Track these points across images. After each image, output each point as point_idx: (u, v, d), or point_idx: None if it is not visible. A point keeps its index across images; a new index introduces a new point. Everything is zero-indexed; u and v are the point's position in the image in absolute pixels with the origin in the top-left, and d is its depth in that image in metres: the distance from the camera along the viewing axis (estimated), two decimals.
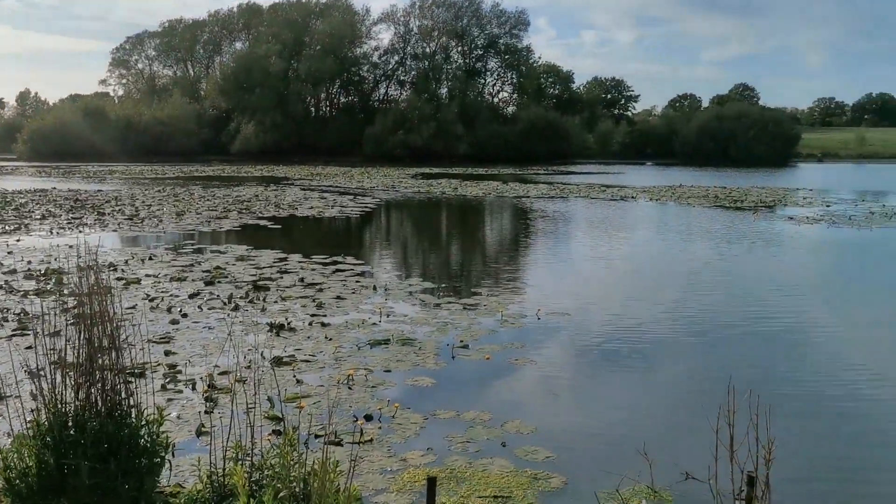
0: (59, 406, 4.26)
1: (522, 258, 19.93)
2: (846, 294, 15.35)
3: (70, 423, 4.25)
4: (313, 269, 16.35)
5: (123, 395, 4.40)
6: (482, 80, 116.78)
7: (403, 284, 14.87)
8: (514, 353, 10.22)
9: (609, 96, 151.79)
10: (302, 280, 15.03)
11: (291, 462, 4.21)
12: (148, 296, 13.31)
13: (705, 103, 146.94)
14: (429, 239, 25.08)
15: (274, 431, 7.20)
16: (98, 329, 4.35)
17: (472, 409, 8.05)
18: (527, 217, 29.54)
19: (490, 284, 15.29)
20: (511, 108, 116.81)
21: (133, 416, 4.41)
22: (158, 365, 9.20)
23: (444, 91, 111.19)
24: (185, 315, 11.89)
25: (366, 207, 32.62)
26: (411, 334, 11.05)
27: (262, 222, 25.94)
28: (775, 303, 13.90)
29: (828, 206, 33.90)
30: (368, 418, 7.74)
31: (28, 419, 4.42)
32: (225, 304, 12.76)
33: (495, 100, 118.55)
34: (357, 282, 15.08)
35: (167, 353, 9.78)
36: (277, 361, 9.56)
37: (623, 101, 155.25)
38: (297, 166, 77.97)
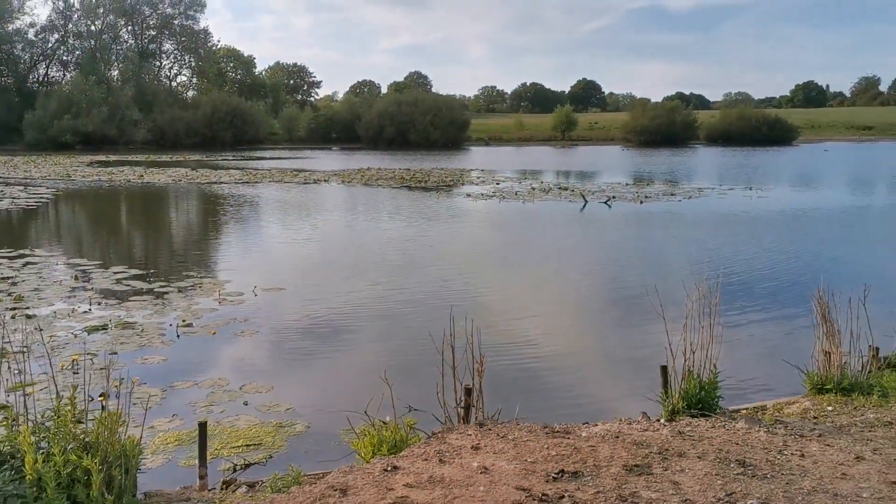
0: None
1: (230, 241, 20.11)
2: (520, 252, 17.86)
3: None
4: None
5: None
6: (158, 63, 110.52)
7: (108, 273, 14.44)
8: (239, 326, 10.74)
9: (292, 82, 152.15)
10: None
11: (73, 419, 4.52)
12: None
13: (384, 90, 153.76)
14: (126, 227, 24.01)
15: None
16: None
17: (208, 378, 8.51)
18: (226, 202, 29.37)
19: (202, 267, 15.43)
20: (191, 93, 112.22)
21: None
22: None
23: (115, 73, 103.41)
24: None
25: (42, 198, 30.00)
26: (129, 318, 11.02)
27: None
28: (467, 262, 15.86)
29: (498, 183, 38.00)
30: (105, 396, 7.84)
31: None
32: None
33: (173, 84, 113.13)
34: (55, 272, 14.34)
35: None
36: None
37: (306, 87, 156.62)
38: None
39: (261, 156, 73.08)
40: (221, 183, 38.31)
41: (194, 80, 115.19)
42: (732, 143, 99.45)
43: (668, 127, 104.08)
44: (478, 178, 42.49)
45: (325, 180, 39.92)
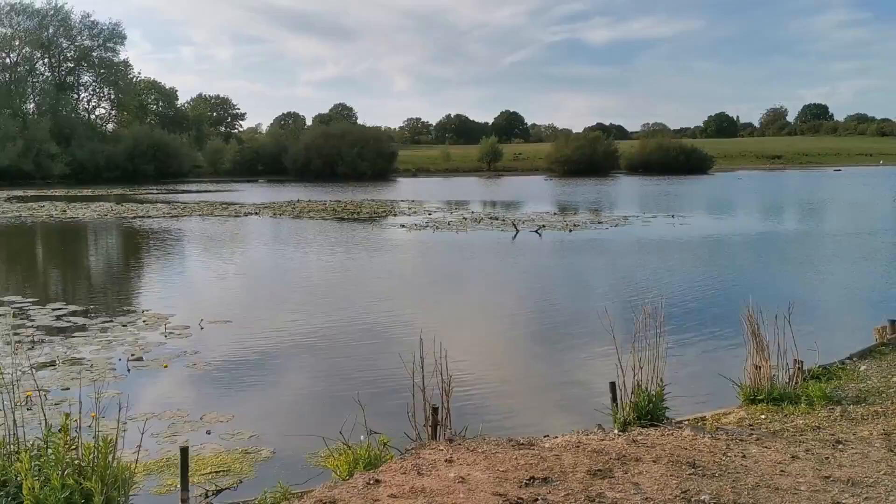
0: None
1: (168, 275, 19.95)
2: (459, 281, 18.31)
3: None
4: None
5: None
6: (76, 96, 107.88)
7: (46, 310, 14.23)
8: (190, 358, 10.83)
9: (215, 114, 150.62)
10: None
11: (68, 445, 4.69)
12: None
13: (308, 122, 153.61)
14: (56, 263, 23.48)
15: None
16: None
17: (167, 410, 8.60)
18: (157, 236, 28.99)
19: (141, 301, 15.37)
20: (111, 126, 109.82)
21: None
22: None
23: (31, 106, 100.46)
24: None
25: None
26: (76, 354, 10.97)
27: None
28: (410, 292, 16.22)
29: (429, 214, 38.56)
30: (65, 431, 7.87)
31: None
32: None
33: (93, 116, 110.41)
34: None
35: None
36: None
37: (230, 119, 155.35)
38: None
39: (186, 189, 71.98)
40: (149, 217, 37.72)
41: (114, 112, 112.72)
42: (652, 172, 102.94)
43: (591, 157, 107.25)
44: (409, 208, 42.97)
45: (255, 213, 39.75)
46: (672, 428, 6.27)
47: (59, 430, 4.76)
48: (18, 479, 4.77)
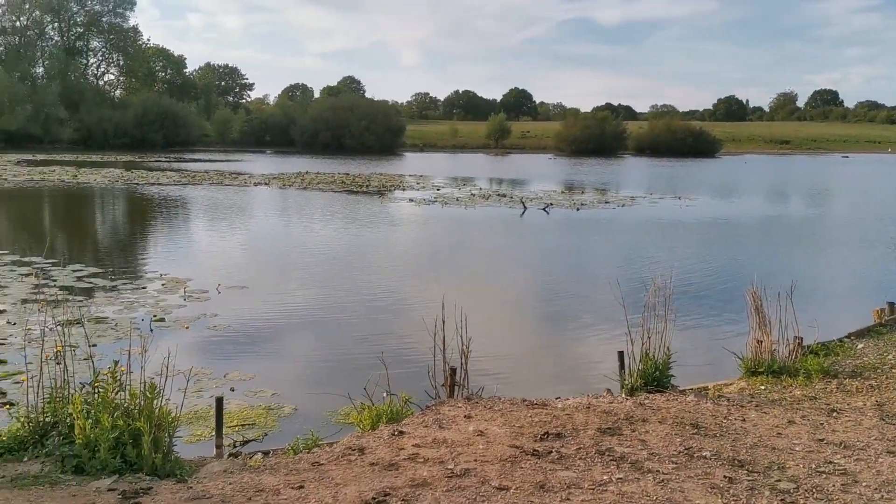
0: None
1: (183, 241, 20.33)
2: (469, 254, 18.65)
3: None
4: None
5: None
6: (85, 61, 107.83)
7: (67, 271, 14.61)
8: (210, 321, 11.20)
9: (224, 83, 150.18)
10: None
11: (115, 390, 5.06)
12: None
13: (317, 94, 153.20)
14: (73, 226, 23.85)
15: (3, 404, 7.49)
16: None
17: (191, 368, 8.97)
18: (169, 204, 29.33)
19: (159, 266, 15.70)
20: (119, 92, 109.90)
21: None
22: None
23: (40, 71, 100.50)
24: None
25: None
26: (101, 314, 11.34)
27: None
28: (423, 263, 16.58)
29: (438, 189, 38.82)
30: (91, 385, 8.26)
31: None
32: None
33: (101, 83, 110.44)
34: (12, 270, 14.45)
35: None
36: None
37: (238, 89, 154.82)
38: None
39: (194, 158, 72.24)
40: (160, 184, 38.05)
41: (122, 79, 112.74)
42: (659, 154, 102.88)
43: (599, 137, 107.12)
44: (417, 183, 43.21)
45: (265, 183, 40.04)
46: (676, 394, 6.63)
47: (108, 375, 5.13)
48: (69, 420, 5.15)
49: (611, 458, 4.83)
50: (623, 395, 6.63)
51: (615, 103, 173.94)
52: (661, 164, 78.04)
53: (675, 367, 7.50)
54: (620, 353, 7.32)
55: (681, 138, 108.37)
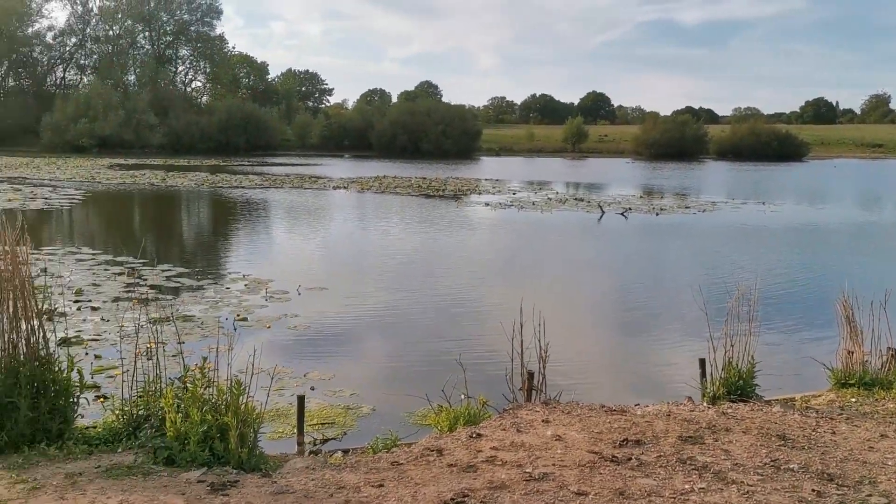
0: None
1: (265, 243, 20.89)
2: (550, 259, 18.57)
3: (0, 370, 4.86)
4: (50, 260, 15.90)
5: (43, 343, 5.08)
6: (173, 69, 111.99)
7: (156, 270, 15.18)
8: (291, 321, 11.46)
9: (304, 88, 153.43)
10: (44, 270, 14.65)
11: (204, 385, 5.24)
12: None
13: (394, 98, 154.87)
14: (162, 228, 24.80)
15: (97, 397, 7.83)
16: (16, 288, 4.98)
17: (273, 366, 9.20)
18: (252, 206, 30.15)
19: (243, 267, 16.16)
20: (205, 98, 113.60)
21: (54, 361, 5.11)
22: None
23: (131, 78, 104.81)
24: None
25: (74, 199, 30.86)
26: (187, 312, 11.74)
27: None
28: (502, 267, 16.60)
29: (514, 193, 38.74)
30: (180, 380, 8.56)
31: None
32: None
33: (188, 89, 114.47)
34: (106, 269, 15.09)
35: None
36: (63, 342, 9.80)
37: (317, 94, 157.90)
38: None
39: (275, 161, 74.00)
40: (243, 188, 39.13)
41: (208, 85, 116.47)
42: (742, 158, 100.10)
43: (679, 141, 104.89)
44: (493, 187, 43.21)
45: (343, 187, 40.70)
46: (761, 404, 6.45)
47: (198, 371, 5.32)
48: (161, 413, 5.37)
49: (693, 467, 4.74)
50: (704, 404, 6.49)
51: (696, 106, 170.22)
52: (745, 169, 75.93)
53: (760, 376, 7.30)
54: (702, 361, 7.16)
55: (765, 142, 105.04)
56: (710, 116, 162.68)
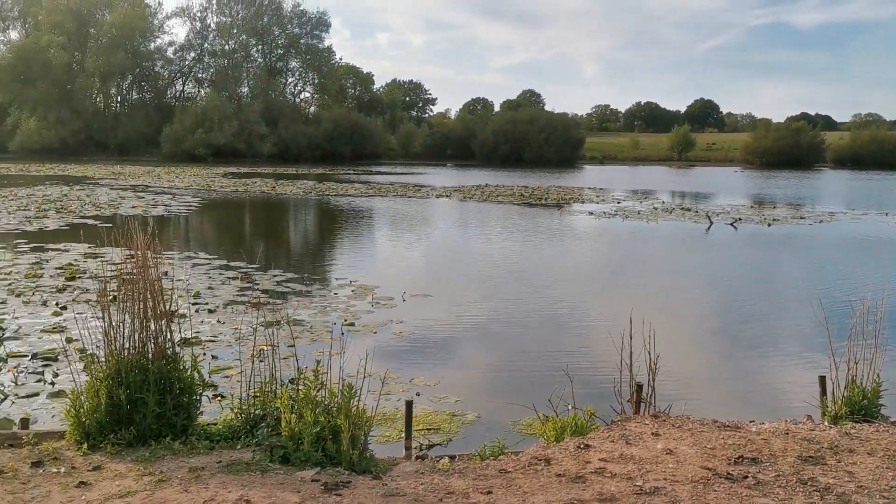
0: (122, 353, 5.16)
1: (371, 250, 21.34)
2: (657, 270, 18.17)
3: (131, 367, 5.15)
4: (170, 263, 16.71)
5: (169, 343, 5.37)
6: (284, 80, 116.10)
7: (268, 275, 15.72)
8: (396, 327, 11.64)
9: (408, 98, 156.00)
10: (165, 273, 15.41)
11: (317, 388, 5.39)
12: (13, 291, 13.25)
13: (496, 107, 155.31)
14: (273, 234, 25.70)
15: (215, 395, 8.17)
16: (146, 290, 5.27)
17: (379, 370, 9.37)
18: (359, 214, 30.87)
19: (349, 273, 16.54)
20: (313, 109, 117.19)
21: (179, 360, 5.39)
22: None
23: (245, 90, 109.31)
24: (64, 308, 12.11)
25: (192, 206, 32.39)
26: (297, 316, 12.10)
27: (89, 221, 25.24)
28: (598, 276, 16.38)
29: (618, 202, 38.14)
30: (292, 381, 8.83)
31: (93, 365, 5.26)
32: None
33: (297, 100, 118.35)
34: (220, 273, 15.75)
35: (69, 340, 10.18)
36: (184, 342, 10.27)
37: (421, 104, 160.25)
38: (90, 165, 73.59)
39: (379, 170, 75.48)
40: (349, 196, 40.09)
41: (316, 96, 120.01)
42: (863, 167, 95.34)
43: (793, 149, 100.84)
44: (596, 196, 42.69)
45: (446, 196, 41.11)
46: (888, 425, 6.12)
47: (312, 373, 5.49)
48: (276, 413, 5.57)
49: (814, 488, 4.55)
50: (825, 423, 6.21)
51: (812, 112, 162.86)
52: (865, 178, 72.18)
53: (886, 396, 6.92)
54: (822, 378, 6.85)
55: (888, 150, 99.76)
56: (827, 123, 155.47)
